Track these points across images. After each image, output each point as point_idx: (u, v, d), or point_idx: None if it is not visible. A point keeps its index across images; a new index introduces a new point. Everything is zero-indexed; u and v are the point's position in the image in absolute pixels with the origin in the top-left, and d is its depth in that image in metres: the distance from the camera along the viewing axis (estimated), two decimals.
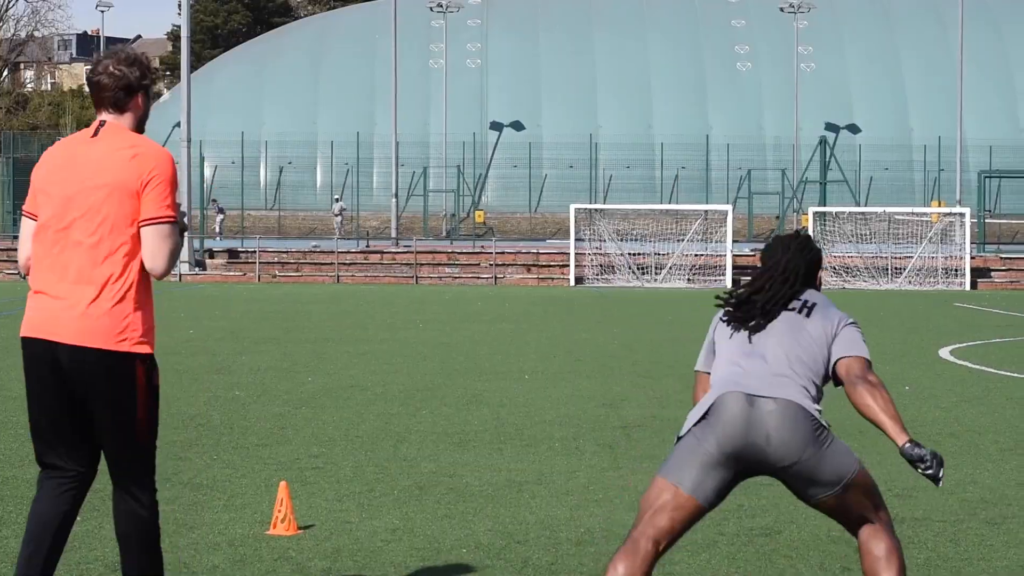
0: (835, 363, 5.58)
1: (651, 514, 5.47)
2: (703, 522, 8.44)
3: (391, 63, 56.66)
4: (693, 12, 72.50)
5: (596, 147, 65.94)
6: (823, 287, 5.64)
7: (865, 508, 5.62)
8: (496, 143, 68.66)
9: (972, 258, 45.13)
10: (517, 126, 68.83)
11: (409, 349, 20.34)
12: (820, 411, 5.47)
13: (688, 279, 45.51)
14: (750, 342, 5.63)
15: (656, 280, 45.59)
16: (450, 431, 12.16)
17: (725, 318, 5.78)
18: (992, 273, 46.22)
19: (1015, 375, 17.06)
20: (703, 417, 5.49)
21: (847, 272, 45.04)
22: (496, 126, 69.06)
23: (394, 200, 56.24)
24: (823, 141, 61.65)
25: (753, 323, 5.65)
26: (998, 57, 68.50)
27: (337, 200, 62.79)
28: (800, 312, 5.65)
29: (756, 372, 5.51)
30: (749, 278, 5.86)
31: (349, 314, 29.14)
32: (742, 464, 5.47)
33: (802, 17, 66.29)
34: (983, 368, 17.58)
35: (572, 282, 45.46)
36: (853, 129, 68.03)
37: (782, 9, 66.96)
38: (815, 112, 67.02)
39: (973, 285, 44.32)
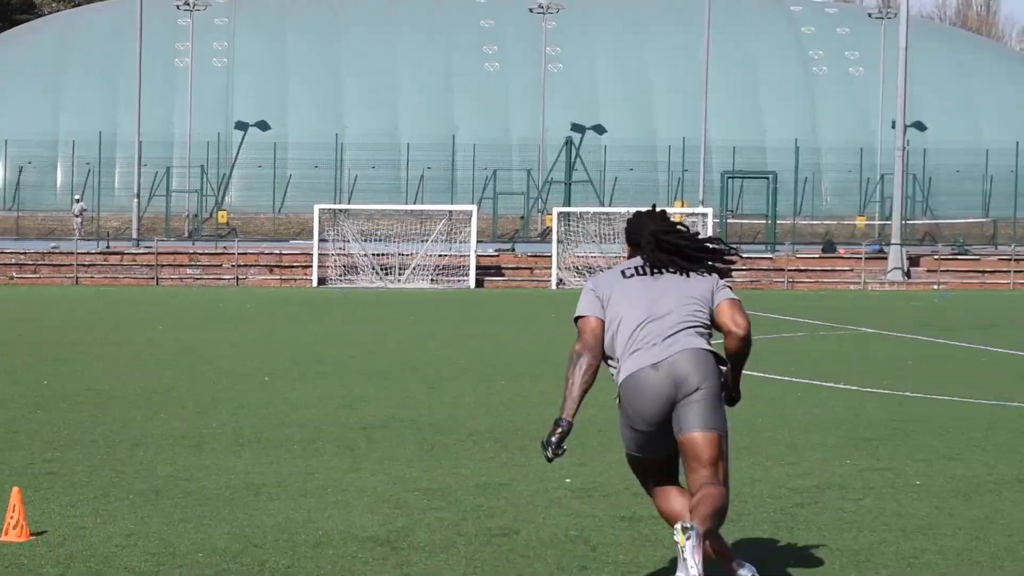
0: (716, 307, 6.77)
1: (651, 477, 6.87)
2: (441, 523, 8.63)
3: (135, 61, 55.65)
4: (441, 12, 72.85)
5: (342, 147, 65.82)
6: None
7: (721, 460, 6.60)
8: (241, 143, 67.97)
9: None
10: (263, 126, 68.22)
11: (148, 351, 20.11)
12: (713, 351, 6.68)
13: (432, 279, 45.79)
14: (651, 298, 6.73)
15: (400, 280, 45.76)
16: (188, 434, 12.11)
17: (629, 274, 6.79)
18: (733, 273, 47.59)
19: (753, 373, 17.52)
20: (624, 399, 6.69)
21: (590, 272, 45.87)
22: (241, 126, 68.34)
23: (136, 200, 55.28)
24: (569, 141, 62.61)
25: (653, 280, 6.78)
26: (742, 61, 70.41)
27: (77, 200, 61.38)
28: (682, 273, 6.81)
29: (659, 330, 6.66)
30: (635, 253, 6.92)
31: (87, 316, 28.61)
32: (672, 404, 6.63)
33: (551, 18, 67.17)
34: (722, 367, 17.98)
35: (315, 283, 45.34)
36: (599, 130, 69.18)
37: (531, 10, 67.75)
38: (562, 113, 67.95)
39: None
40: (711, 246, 6.91)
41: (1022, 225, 58.68)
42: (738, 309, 6.78)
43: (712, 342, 6.86)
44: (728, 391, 6.86)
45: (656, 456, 6.78)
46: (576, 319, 6.80)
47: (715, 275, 6.87)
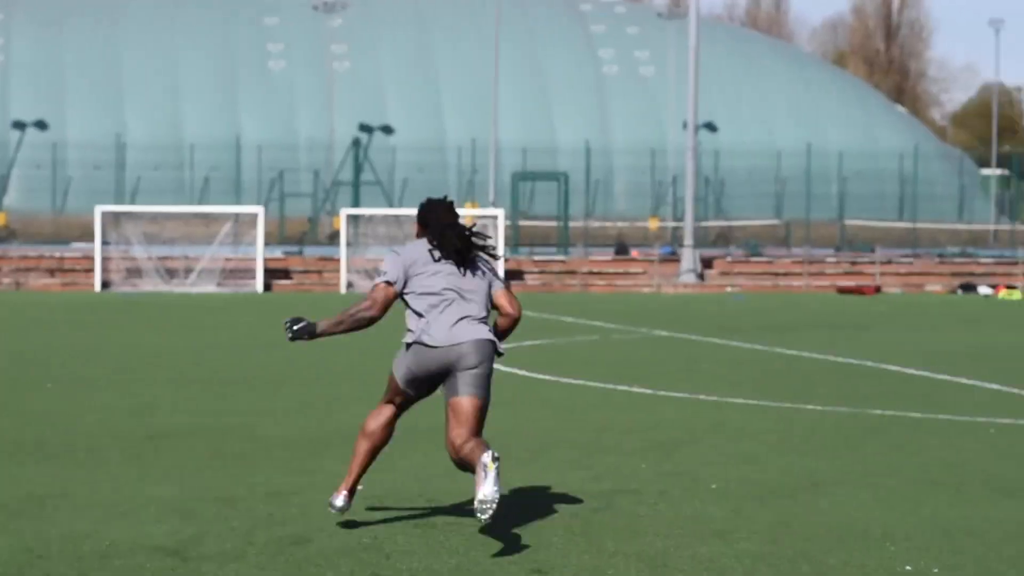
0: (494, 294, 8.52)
1: (393, 398, 8.61)
2: (232, 532, 8.60)
3: None
4: (223, 9, 72.06)
5: (123, 147, 64.71)
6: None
7: (480, 422, 8.32)
8: (19, 143, 66.42)
9: (505, 260, 46.61)
10: (41, 125, 66.73)
11: None
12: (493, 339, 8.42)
13: (218, 283, 45.34)
14: (454, 283, 8.42)
15: (186, 284, 45.22)
16: None
17: (436, 256, 8.39)
18: (525, 276, 47.95)
19: (545, 377, 17.75)
20: (414, 347, 8.40)
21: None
22: (19, 125, 66.78)
23: None
24: (356, 142, 62.48)
25: (458, 267, 8.45)
26: (531, 60, 70.93)
27: None
28: (467, 268, 8.48)
29: (459, 313, 8.34)
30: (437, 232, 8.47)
31: None
32: (451, 371, 8.35)
33: (336, 15, 66.91)
34: (514, 371, 18.20)
35: (98, 287, 44.56)
36: (387, 130, 69.10)
37: (315, 8, 67.39)
38: (349, 112, 67.73)
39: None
40: (490, 248, 8.56)
41: (815, 227, 60.14)
42: (512, 296, 8.57)
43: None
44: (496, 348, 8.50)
45: (410, 395, 8.58)
46: (382, 283, 8.44)
47: (491, 271, 8.59)
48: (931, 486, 10.26)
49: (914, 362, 19.80)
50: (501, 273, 9.34)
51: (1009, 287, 48.70)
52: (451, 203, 8.59)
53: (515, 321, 8.57)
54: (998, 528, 8.89)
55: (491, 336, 8.40)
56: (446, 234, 8.43)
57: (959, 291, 49.27)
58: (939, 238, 65.65)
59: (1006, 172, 79.98)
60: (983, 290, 48.68)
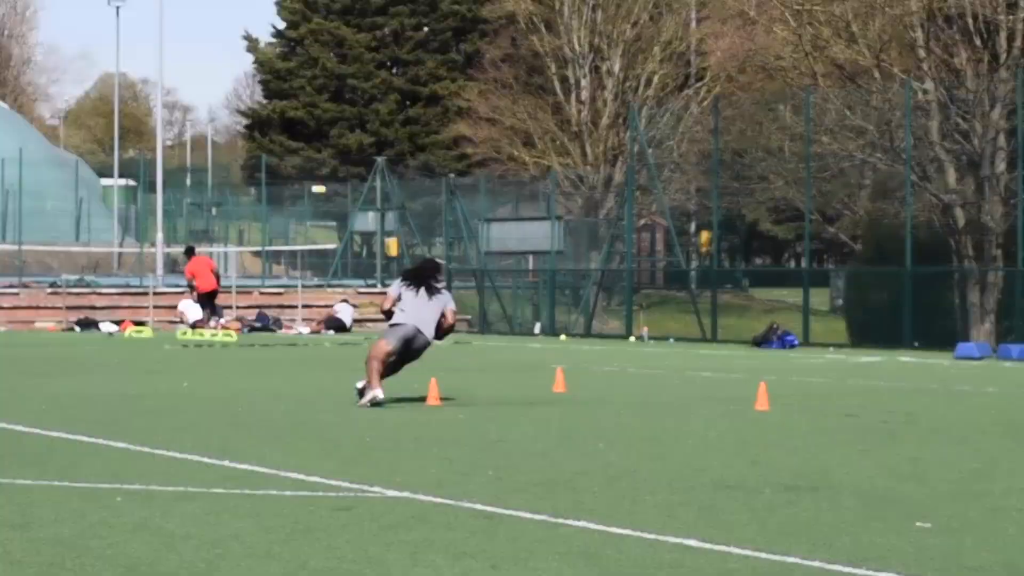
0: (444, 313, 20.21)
1: (379, 353, 19.50)
2: None
3: None
4: None
5: None
6: None
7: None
8: None
9: None
10: None
11: None
12: (433, 336, 20.23)
13: None
14: (419, 299, 19.94)
15: None
16: None
17: (406, 284, 20.05)
18: None
19: None
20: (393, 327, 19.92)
21: None
22: None
23: None
24: None
25: (421, 290, 20.04)
26: None
27: None
28: (432, 290, 20.11)
29: (420, 316, 19.87)
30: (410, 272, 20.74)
31: None
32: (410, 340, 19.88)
33: None
34: None
35: None
36: None
37: None
38: None
39: None
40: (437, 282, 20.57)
41: None
42: (453, 312, 20.52)
43: None
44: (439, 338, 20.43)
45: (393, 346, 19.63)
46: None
47: (444, 294, 20.41)
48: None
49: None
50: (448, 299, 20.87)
51: (137, 323, 48.07)
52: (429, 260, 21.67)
53: (451, 326, 20.59)
54: None
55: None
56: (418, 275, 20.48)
57: (77, 328, 48.35)
58: (51, 263, 64.43)
59: (132, 182, 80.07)
60: (106, 327, 47.95)
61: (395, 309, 19.76)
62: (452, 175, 64.90)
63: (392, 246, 61.50)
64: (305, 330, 49.12)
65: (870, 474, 12.59)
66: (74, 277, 58.32)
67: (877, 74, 47.62)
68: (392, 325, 19.72)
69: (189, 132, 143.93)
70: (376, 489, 11.51)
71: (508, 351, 37.42)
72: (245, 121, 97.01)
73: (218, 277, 44.44)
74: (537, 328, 50.72)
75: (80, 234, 72.02)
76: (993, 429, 16.99)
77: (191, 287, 43.91)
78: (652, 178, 52.34)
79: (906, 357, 35.31)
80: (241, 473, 12.61)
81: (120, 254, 69.71)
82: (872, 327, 44.10)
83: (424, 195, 70.06)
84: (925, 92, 45.28)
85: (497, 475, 12.47)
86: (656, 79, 66.19)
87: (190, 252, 45.73)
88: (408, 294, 19.77)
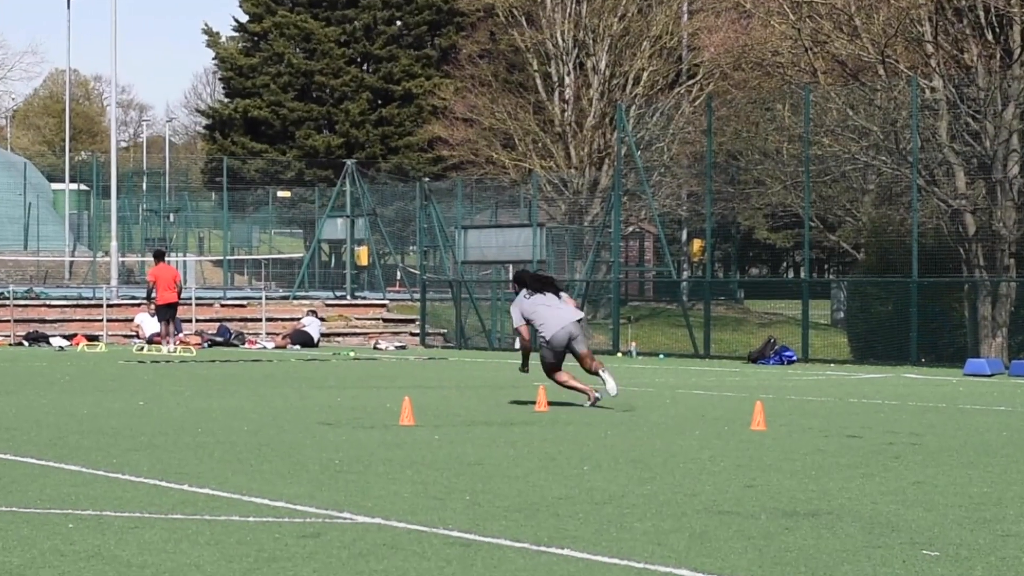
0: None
1: (561, 375, 23.60)
2: None
3: None
4: None
5: None
6: None
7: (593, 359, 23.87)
8: None
9: None
10: None
11: None
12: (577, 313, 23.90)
13: None
14: (549, 304, 23.43)
15: None
16: None
17: (528, 297, 23.52)
18: None
19: None
20: (548, 340, 23.33)
21: None
22: None
23: None
24: None
25: (545, 295, 23.65)
26: None
27: None
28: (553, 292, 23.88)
29: (560, 316, 23.27)
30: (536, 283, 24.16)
31: None
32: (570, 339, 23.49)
33: None
34: None
35: None
36: None
37: None
38: None
39: None
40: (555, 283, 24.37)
41: None
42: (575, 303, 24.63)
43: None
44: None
45: (558, 360, 23.38)
46: (520, 320, 23.57)
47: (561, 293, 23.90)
48: None
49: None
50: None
51: (90, 338, 48.02)
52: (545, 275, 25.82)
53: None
54: None
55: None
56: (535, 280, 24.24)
57: (25, 343, 48.30)
58: None
59: (84, 187, 79.95)
60: (57, 341, 47.90)
61: (536, 328, 23.38)
62: (427, 179, 64.95)
63: (362, 255, 61.45)
64: (270, 345, 49.15)
65: (873, 499, 12.59)
66: (22, 288, 58.27)
67: (882, 71, 47.61)
68: (546, 343, 23.20)
69: (145, 133, 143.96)
70: (345, 515, 11.50)
71: (487, 367, 37.44)
72: (205, 121, 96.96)
73: (180, 291, 43.82)
74: (518, 343, 50.71)
75: (29, 242, 71.94)
76: (1004, 451, 16.97)
77: (150, 295, 43.22)
78: (641, 182, 52.32)
79: (912, 374, 35.38)
80: (201, 498, 12.58)
81: (72, 263, 69.62)
82: (876, 342, 44.09)
83: (397, 200, 70.12)
84: (933, 90, 45.26)
85: (474, 500, 12.45)
86: (645, 76, 66.21)
87: (159, 256, 45.25)
88: (537, 308, 23.34)
